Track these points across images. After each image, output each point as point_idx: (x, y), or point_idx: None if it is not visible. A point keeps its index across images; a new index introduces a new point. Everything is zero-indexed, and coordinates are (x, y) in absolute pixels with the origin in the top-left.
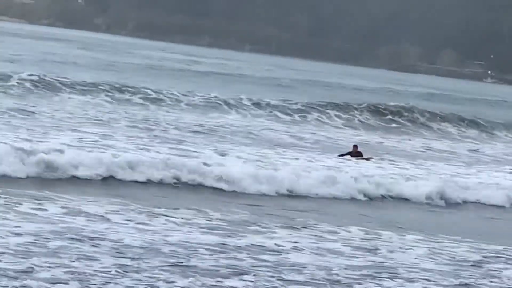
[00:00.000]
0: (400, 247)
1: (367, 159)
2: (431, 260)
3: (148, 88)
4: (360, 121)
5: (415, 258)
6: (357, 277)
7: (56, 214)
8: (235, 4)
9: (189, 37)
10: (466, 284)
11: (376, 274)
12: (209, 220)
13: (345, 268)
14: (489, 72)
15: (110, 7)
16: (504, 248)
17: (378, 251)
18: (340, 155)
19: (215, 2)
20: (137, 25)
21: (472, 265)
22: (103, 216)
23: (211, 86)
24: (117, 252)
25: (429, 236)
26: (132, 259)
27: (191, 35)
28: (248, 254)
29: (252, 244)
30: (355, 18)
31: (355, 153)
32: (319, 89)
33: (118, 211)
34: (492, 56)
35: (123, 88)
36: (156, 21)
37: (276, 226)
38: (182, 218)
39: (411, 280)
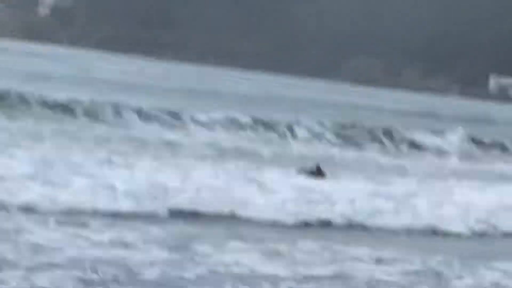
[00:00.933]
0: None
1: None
2: (384, 271)
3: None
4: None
5: (368, 267)
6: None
7: None
8: (199, 17)
9: (152, 51)
10: None
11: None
12: (162, 234)
13: (302, 279)
14: (453, 85)
15: (74, 20)
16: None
17: (334, 263)
18: (300, 173)
19: (179, 15)
20: (101, 38)
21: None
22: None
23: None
24: (73, 266)
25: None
26: (88, 272)
27: (154, 49)
28: (206, 267)
29: (210, 258)
30: (319, 32)
31: (318, 173)
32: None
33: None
34: (456, 69)
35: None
36: (119, 35)
37: (229, 239)
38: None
39: None
